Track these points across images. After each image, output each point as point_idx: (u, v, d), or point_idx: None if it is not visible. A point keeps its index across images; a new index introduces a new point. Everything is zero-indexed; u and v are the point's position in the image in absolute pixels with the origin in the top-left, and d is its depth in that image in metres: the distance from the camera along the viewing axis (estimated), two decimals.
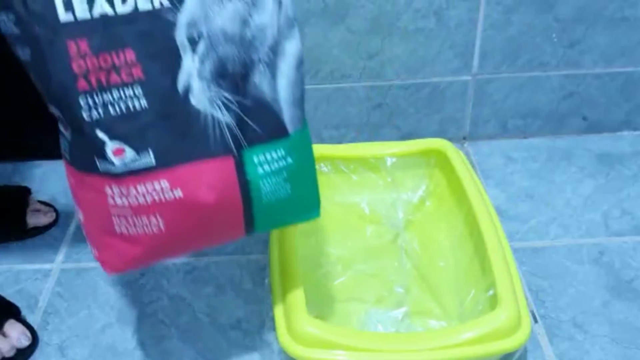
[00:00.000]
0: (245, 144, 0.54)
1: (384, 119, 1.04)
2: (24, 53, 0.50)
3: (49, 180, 1.02)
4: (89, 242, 0.58)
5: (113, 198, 0.53)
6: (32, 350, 0.76)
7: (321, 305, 0.76)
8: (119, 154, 0.51)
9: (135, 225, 0.54)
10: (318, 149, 0.91)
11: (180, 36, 0.51)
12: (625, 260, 0.85)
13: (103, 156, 0.51)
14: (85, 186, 0.54)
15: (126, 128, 0.51)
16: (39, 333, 0.78)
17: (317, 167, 0.89)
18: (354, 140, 1.06)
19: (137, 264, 0.58)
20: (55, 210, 0.94)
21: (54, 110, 0.52)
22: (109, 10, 0.48)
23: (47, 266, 0.88)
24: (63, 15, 0.47)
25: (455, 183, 0.84)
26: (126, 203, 0.53)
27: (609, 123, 1.07)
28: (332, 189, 0.90)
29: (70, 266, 0.88)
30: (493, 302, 0.68)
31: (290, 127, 0.56)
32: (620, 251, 0.86)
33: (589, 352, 0.74)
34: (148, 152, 0.51)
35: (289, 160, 0.57)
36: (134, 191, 0.52)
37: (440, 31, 0.95)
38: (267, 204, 0.57)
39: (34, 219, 0.91)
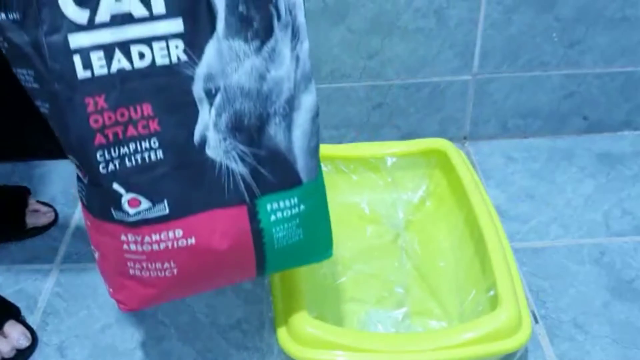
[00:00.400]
0: (259, 192, 0.55)
1: (384, 118, 1.04)
2: (43, 106, 0.50)
3: (49, 180, 1.02)
4: (105, 281, 0.59)
5: (128, 245, 0.53)
6: (31, 351, 0.76)
7: (321, 305, 0.75)
8: (134, 204, 0.51)
9: (149, 269, 0.55)
10: None
11: (198, 90, 0.51)
12: (626, 260, 0.84)
13: (118, 207, 0.51)
14: (101, 230, 0.54)
15: (142, 179, 0.51)
16: (38, 333, 0.78)
17: None
18: (354, 140, 1.06)
19: (152, 303, 0.59)
20: (55, 211, 0.94)
21: (72, 159, 0.52)
22: (127, 65, 0.49)
23: (46, 266, 0.88)
24: (81, 73, 0.47)
25: (456, 183, 0.84)
26: (140, 249, 0.53)
27: (610, 123, 1.07)
28: (332, 189, 0.90)
29: (70, 266, 0.88)
30: (493, 303, 0.67)
31: (304, 177, 0.57)
32: (621, 251, 0.86)
33: (590, 352, 0.74)
34: (163, 202, 0.52)
35: (302, 207, 0.57)
36: (148, 239, 0.53)
37: (441, 31, 0.95)
38: (279, 249, 0.58)
39: (33, 219, 0.91)
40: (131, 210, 0.51)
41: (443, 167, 0.89)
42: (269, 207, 0.55)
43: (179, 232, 0.53)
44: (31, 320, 0.80)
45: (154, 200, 0.52)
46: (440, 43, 0.96)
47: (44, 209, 0.93)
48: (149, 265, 0.54)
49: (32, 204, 0.93)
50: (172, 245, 0.53)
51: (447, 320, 0.75)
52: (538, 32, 0.96)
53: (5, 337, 0.75)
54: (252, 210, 0.55)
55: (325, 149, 0.90)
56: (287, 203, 0.56)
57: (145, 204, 0.51)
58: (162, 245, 0.53)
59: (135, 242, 0.53)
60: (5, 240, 0.91)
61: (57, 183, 1.01)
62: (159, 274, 0.55)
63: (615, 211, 0.92)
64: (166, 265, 0.54)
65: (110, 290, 0.58)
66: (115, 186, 0.51)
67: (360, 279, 0.81)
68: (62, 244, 0.91)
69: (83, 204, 0.55)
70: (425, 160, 0.90)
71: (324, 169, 0.89)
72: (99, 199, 0.52)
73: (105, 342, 0.77)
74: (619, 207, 0.93)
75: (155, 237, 0.53)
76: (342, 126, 1.05)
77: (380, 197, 0.91)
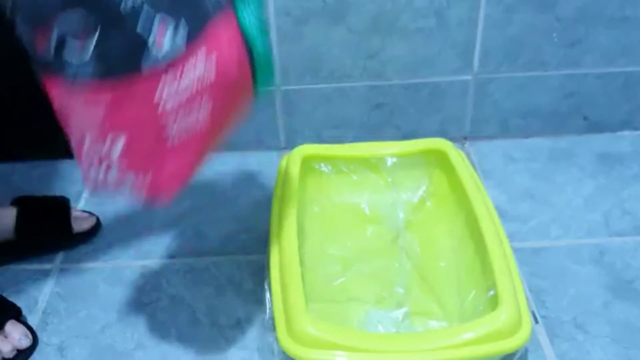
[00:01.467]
0: None
1: (384, 118, 1.04)
2: None
3: (49, 180, 1.02)
4: (135, 177, 0.56)
5: (165, 102, 0.51)
6: (31, 351, 0.76)
7: (321, 305, 0.75)
8: (161, 33, 0.49)
9: (186, 120, 0.53)
10: (318, 149, 0.91)
11: None
12: (626, 260, 0.84)
13: (146, 48, 0.49)
14: (126, 104, 0.51)
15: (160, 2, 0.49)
16: (38, 333, 0.78)
17: (317, 167, 0.90)
18: (354, 140, 1.06)
19: (189, 175, 0.57)
20: (92, 214, 0.93)
21: (64, 28, 0.49)
22: None
23: (47, 266, 0.88)
24: None
25: (456, 183, 0.84)
26: (176, 98, 0.51)
27: (610, 123, 1.07)
28: (332, 189, 0.90)
29: (70, 266, 0.88)
30: (494, 303, 0.67)
31: None
32: (621, 251, 0.86)
33: (590, 352, 0.74)
34: (181, 21, 0.50)
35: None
36: (179, 76, 0.51)
37: (441, 30, 0.95)
38: (258, 55, 0.57)
39: (77, 225, 0.90)
40: (163, 40, 0.49)
41: (443, 167, 0.89)
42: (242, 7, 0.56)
43: (203, 51, 0.51)
44: (31, 320, 0.80)
45: (177, 23, 0.50)
46: (440, 43, 0.96)
47: (82, 214, 0.92)
48: (186, 112, 0.52)
49: (73, 211, 0.92)
50: (202, 69, 0.52)
51: (447, 320, 0.75)
52: (538, 32, 0.96)
53: (6, 337, 0.75)
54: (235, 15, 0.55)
55: (325, 149, 0.90)
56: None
57: (170, 27, 0.50)
58: (197, 73, 0.52)
59: (171, 94, 0.51)
60: (58, 250, 0.89)
61: (57, 183, 1.01)
62: (196, 118, 0.53)
63: (615, 211, 0.92)
64: (202, 102, 0.53)
65: (143, 188, 0.56)
66: (142, 16, 0.48)
67: (360, 279, 0.81)
68: None
69: (85, 88, 0.51)
70: (425, 160, 0.90)
71: (324, 169, 0.91)
72: (122, 48, 0.49)
73: (105, 342, 0.77)
74: (619, 207, 0.93)
75: (188, 65, 0.51)
76: (342, 126, 1.05)
77: (380, 197, 0.91)
